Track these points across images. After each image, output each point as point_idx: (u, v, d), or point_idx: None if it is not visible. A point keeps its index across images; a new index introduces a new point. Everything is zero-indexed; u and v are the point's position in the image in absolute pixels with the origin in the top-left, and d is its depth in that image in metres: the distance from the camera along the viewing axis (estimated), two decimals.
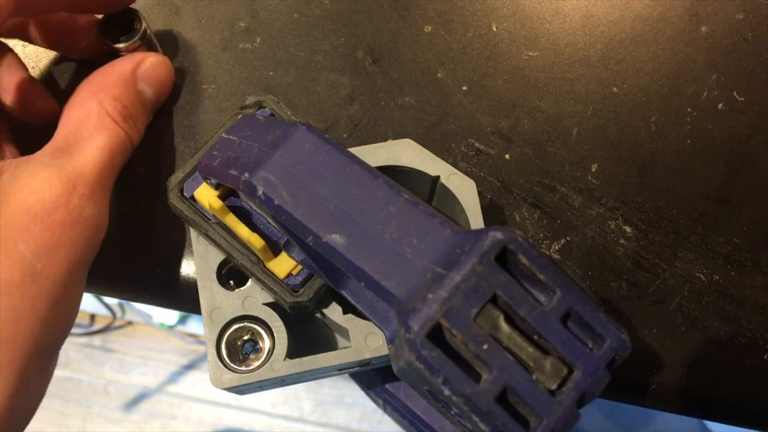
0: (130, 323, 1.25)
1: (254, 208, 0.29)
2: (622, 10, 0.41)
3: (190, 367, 1.22)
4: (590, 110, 0.39)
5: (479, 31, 0.40)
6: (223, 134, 0.29)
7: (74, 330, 1.24)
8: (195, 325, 1.20)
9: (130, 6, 0.36)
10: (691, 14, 0.41)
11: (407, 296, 0.21)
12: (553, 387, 0.20)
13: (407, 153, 0.32)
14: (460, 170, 0.32)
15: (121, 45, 0.36)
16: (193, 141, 0.38)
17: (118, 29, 0.36)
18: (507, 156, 0.38)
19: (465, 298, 0.20)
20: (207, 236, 0.30)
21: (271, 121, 0.28)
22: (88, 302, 1.21)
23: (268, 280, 0.29)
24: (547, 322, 0.21)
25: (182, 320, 1.19)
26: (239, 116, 0.31)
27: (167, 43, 0.40)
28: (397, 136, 0.38)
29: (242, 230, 0.28)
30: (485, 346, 0.20)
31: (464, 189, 0.31)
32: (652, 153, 0.39)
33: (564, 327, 0.21)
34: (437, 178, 0.32)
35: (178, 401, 1.20)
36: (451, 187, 0.31)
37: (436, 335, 0.20)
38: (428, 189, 0.33)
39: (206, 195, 0.29)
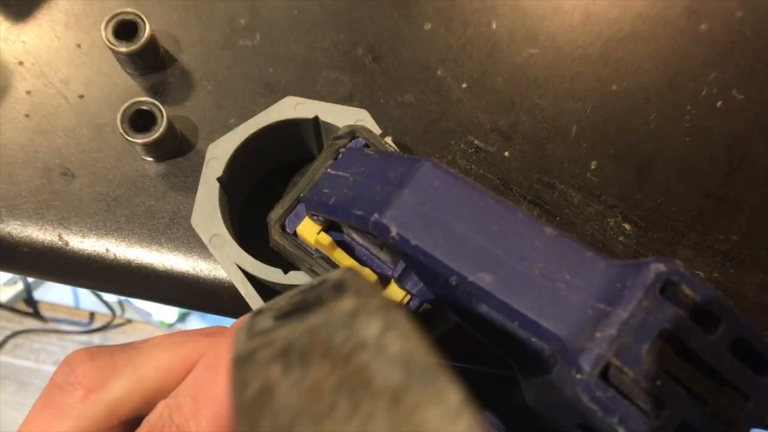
0: (129, 321, 1.25)
1: (358, 241, 0.29)
2: (622, 8, 0.41)
3: None
4: (589, 108, 0.39)
5: (479, 29, 0.40)
6: (330, 170, 0.29)
7: (74, 328, 1.24)
8: (194, 324, 1.20)
9: (136, 12, 0.37)
10: (691, 12, 0.41)
11: (570, 335, 0.21)
12: (729, 418, 0.20)
13: (289, 107, 0.33)
14: (459, 167, 0.32)
15: (123, 49, 0.36)
16: (193, 139, 0.38)
17: (124, 32, 0.37)
18: (506, 153, 0.38)
19: (634, 334, 0.20)
20: (312, 270, 0.30)
21: (385, 156, 0.27)
22: (88, 300, 1.22)
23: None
24: (717, 353, 0.20)
25: (182, 318, 1.19)
26: (337, 148, 0.31)
27: (167, 40, 0.40)
28: (396, 134, 0.38)
29: (352, 265, 0.28)
30: (658, 382, 0.20)
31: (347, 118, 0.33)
32: (651, 151, 0.39)
33: (733, 357, 0.20)
34: (316, 118, 0.33)
35: None
36: (329, 120, 0.33)
37: (604, 374, 0.20)
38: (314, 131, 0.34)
39: (311, 231, 0.29)
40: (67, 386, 0.23)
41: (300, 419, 0.15)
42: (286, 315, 0.19)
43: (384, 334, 0.16)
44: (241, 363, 0.17)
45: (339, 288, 0.18)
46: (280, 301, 0.20)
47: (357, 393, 0.15)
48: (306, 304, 0.19)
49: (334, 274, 0.20)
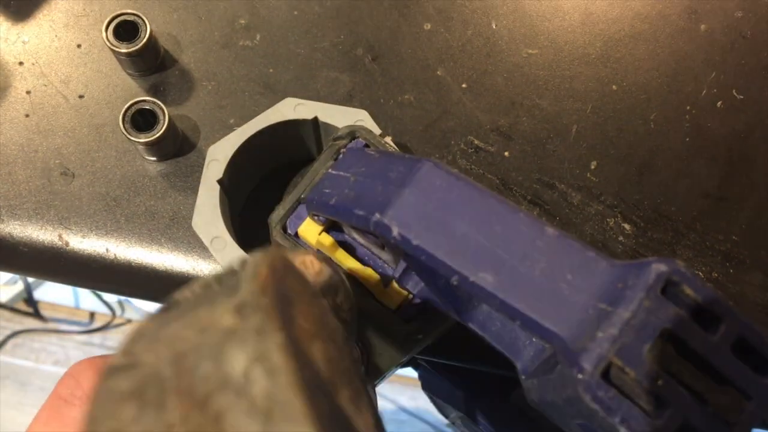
0: (129, 321, 1.25)
1: (359, 241, 0.29)
2: (622, 8, 0.41)
3: None
4: (589, 108, 0.39)
5: (479, 29, 0.40)
6: (331, 171, 0.29)
7: (73, 328, 1.24)
8: None
9: (136, 12, 0.36)
10: (691, 12, 0.41)
11: (572, 335, 0.21)
12: (731, 418, 0.20)
13: (289, 108, 0.33)
14: (459, 167, 0.32)
15: (124, 49, 0.36)
16: (193, 139, 0.38)
17: (125, 32, 0.37)
18: (506, 153, 0.38)
19: (636, 334, 0.20)
20: None
21: (386, 156, 0.27)
22: (88, 300, 1.21)
23: (379, 312, 0.29)
24: (718, 353, 0.20)
25: None
26: (337, 148, 0.31)
27: (168, 40, 0.40)
28: (396, 134, 0.38)
29: (354, 265, 0.28)
30: (660, 382, 0.20)
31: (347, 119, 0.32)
32: (651, 151, 0.39)
33: (734, 356, 0.20)
34: (316, 119, 0.33)
35: None
36: (328, 121, 0.33)
37: (605, 373, 0.20)
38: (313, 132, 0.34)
39: (312, 232, 0.29)
40: (74, 400, 0.23)
41: None
42: (174, 312, 0.18)
43: (251, 370, 0.14)
44: (94, 407, 0.15)
45: (232, 286, 0.17)
46: (185, 291, 0.19)
47: None
48: (198, 300, 0.17)
49: (241, 261, 0.18)
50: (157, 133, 0.35)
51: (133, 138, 0.35)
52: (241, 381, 0.14)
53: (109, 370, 0.16)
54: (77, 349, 1.22)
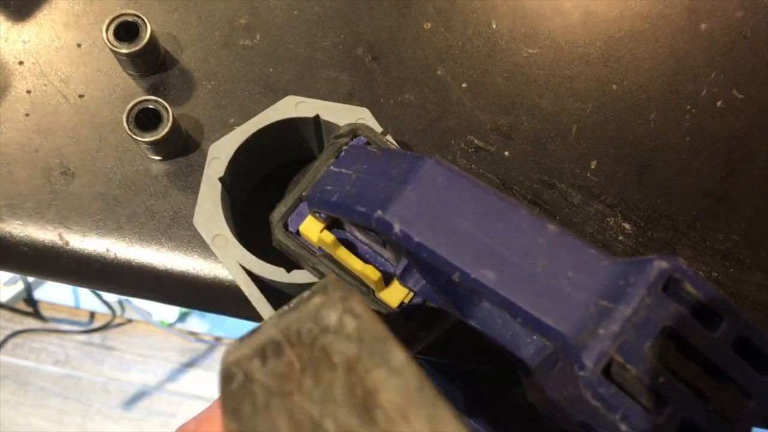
0: (129, 321, 1.25)
1: (360, 239, 0.29)
2: (622, 7, 0.41)
3: (189, 364, 1.22)
4: (589, 107, 0.39)
5: (479, 29, 0.41)
6: (333, 168, 0.29)
7: (74, 327, 1.24)
8: (195, 323, 1.20)
9: (137, 13, 0.36)
10: (691, 12, 0.41)
11: (573, 332, 0.21)
12: (731, 416, 0.20)
13: (290, 106, 0.34)
14: (459, 166, 0.32)
15: (125, 50, 0.36)
16: (195, 138, 0.38)
17: (125, 33, 0.37)
18: (506, 153, 0.38)
19: (637, 331, 0.20)
20: (315, 269, 0.29)
21: (387, 153, 0.27)
22: (88, 300, 1.21)
23: (380, 310, 0.28)
24: (719, 350, 0.20)
25: (182, 318, 1.19)
26: (339, 146, 0.31)
27: (167, 40, 0.40)
28: (396, 133, 0.38)
29: (355, 263, 0.28)
30: (661, 379, 0.20)
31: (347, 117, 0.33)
32: (651, 150, 0.39)
33: (735, 354, 0.20)
34: (317, 117, 0.33)
35: (178, 399, 1.20)
36: (329, 119, 0.33)
37: (606, 370, 0.20)
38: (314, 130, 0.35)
39: (314, 229, 0.29)
40: None
41: (273, 398, 0.19)
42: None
43: (342, 319, 0.20)
44: (228, 366, 0.20)
45: (311, 293, 0.21)
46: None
47: (320, 368, 0.19)
48: (283, 313, 0.22)
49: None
50: (162, 131, 0.35)
51: (138, 138, 0.35)
52: (337, 326, 0.19)
53: (228, 358, 0.21)
54: (77, 349, 1.22)
